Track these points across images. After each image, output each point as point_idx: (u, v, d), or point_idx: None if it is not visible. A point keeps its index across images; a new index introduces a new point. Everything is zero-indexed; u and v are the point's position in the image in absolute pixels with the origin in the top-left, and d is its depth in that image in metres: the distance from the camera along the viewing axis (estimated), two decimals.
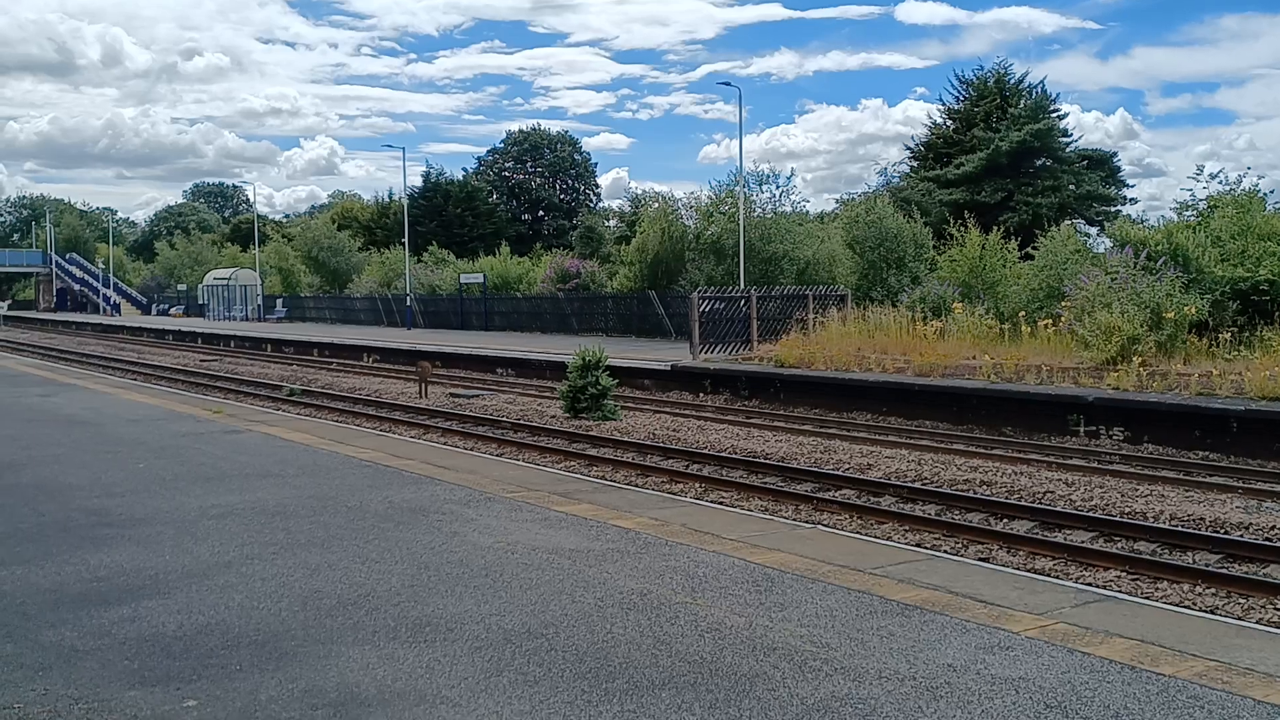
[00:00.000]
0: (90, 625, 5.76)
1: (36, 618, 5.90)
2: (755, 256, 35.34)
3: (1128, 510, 10.97)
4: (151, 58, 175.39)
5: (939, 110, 52.35)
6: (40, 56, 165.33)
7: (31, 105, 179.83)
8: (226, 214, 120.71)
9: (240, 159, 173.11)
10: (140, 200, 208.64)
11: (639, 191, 57.48)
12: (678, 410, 20.36)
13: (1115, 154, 53.81)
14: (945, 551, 9.29)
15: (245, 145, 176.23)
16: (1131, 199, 52.18)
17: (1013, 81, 49.66)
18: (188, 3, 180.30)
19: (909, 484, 12.33)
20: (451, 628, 5.69)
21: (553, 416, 18.62)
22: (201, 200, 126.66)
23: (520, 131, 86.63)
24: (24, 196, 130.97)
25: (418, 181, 75.06)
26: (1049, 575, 8.48)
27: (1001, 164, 46.35)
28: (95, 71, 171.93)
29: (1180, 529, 10.16)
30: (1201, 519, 10.53)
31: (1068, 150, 49.16)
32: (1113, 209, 48.60)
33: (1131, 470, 13.55)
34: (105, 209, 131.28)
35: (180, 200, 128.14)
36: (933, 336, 22.18)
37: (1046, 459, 14.33)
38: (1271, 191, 26.36)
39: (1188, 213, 25.79)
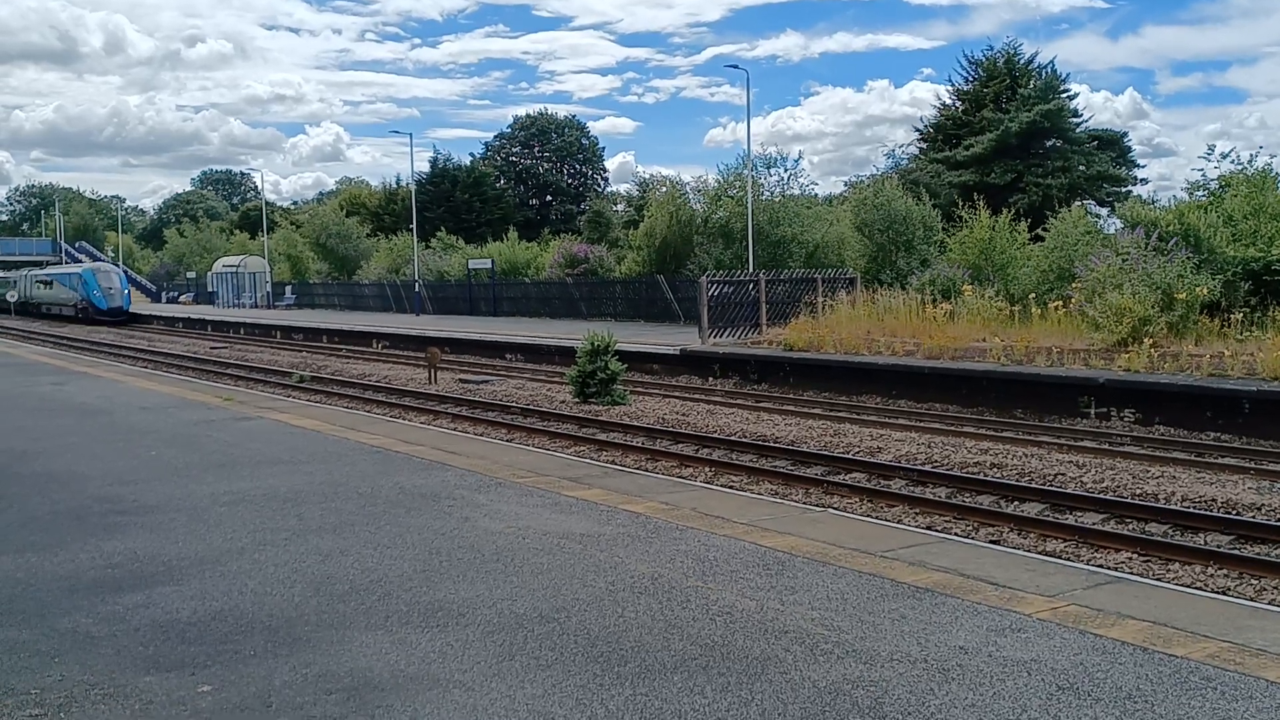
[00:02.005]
0: (105, 611, 5.79)
1: (51, 604, 5.94)
2: (764, 240, 35.25)
3: (1139, 492, 10.95)
4: (154, 45, 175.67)
5: (948, 91, 51.95)
6: (43, 45, 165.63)
7: (36, 94, 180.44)
8: (235, 201, 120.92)
9: (245, 146, 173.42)
10: (147, 188, 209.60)
11: (646, 176, 57.37)
12: (687, 395, 20.36)
13: (1125, 134, 53.26)
14: (956, 534, 9.29)
15: (250, 132, 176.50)
16: (1142, 179, 51.74)
17: (1022, 62, 49.25)
18: None
19: (919, 467, 12.32)
20: (463, 612, 5.71)
21: (562, 401, 18.64)
22: (210, 188, 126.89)
23: (527, 116, 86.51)
24: (32, 185, 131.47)
25: (424, 167, 74.98)
26: (1060, 557, 8.47)
27: (1011, 145, 46.04)
28: (98, 59, 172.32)
29: (1192, 510, 10.14)
30: (1213, 500, 10.51)
31: (1078, 131, 48.77)
32: (1123, 190, 48.22)
33: (1143, 452, 13.51)
34: (114, 197, 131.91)
35: (188, 188, 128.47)
36: (942, 319, 22.12)
37: (1057, 441, 14.31)
38: None
39: (1199, 193, 25.67)
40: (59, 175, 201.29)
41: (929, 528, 9.52)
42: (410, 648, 5.17)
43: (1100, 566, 8.14)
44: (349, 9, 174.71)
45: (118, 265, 72.48)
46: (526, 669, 4.88)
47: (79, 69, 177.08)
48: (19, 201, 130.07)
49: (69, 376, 21.13)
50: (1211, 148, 25.71)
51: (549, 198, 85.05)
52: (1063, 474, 11.86)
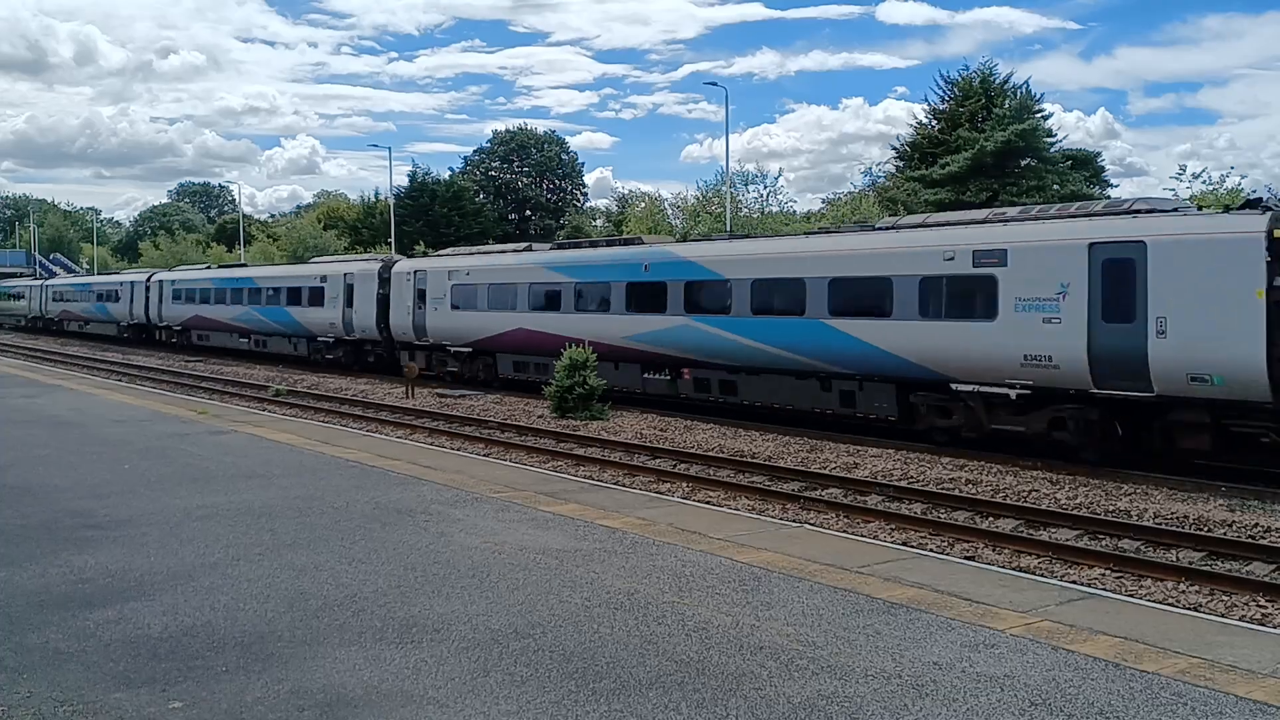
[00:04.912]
0: (75, 627, 5.73)
1: (21, 620, 5.86)
2: None
3: (1112, 509, 11.03)
4: (126, 56, 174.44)
5: (924, 110, 52.47)
6: (12, 54, 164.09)
7: (8, 104, 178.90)
8: (211, 214, 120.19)
9: (220, 158, 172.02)
10: (120, 199, 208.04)
11: (624, 191, 57.53)
12: (665, 410, 20.33)
13: (1098, 154, 54.00)
14: (931, 550, 9.33)
15: (224, 144, 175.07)
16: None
17: (997, 82, 49.81)
18: (165, 1, 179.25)
19: (895, 483, 12.36)
20: (438, 628, 5.69)
21: (540, 417, 18.60)
22: (186, 200, 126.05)
23: (506, 131, 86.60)
24: (6, 197, 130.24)
25: (402, 181, 74.91)
26: (1034, 573, 8.52)
27: (986, 164, 46.48)
28: (68, 70, 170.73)
29: (1164, 527, 10.23)
30: (1185, 517, 10.60)
31: (1052, 150, 49.34)
32: None
33: (1116, 469, 13.59)
34: (89, 209, 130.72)
35: (163, 200, 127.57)
36: None
37: (1031, 458, 14.36)
38: (1253, 191, 26.58)
39: None
40: (31, 186, 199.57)
41: (904, 543, 9.55)
42: (384, 664, 5.14)
43: (1074, 582, 8.19)
44: (324, 22, 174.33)
45: None
46: (501, 685, 4.86)
47: (50, 79, 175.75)
48: None
49: (41, 389, 20.91)
50: (1183, 168, 26.19)
51: (528, 212, 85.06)
52: (1037, 490, 11.94)
